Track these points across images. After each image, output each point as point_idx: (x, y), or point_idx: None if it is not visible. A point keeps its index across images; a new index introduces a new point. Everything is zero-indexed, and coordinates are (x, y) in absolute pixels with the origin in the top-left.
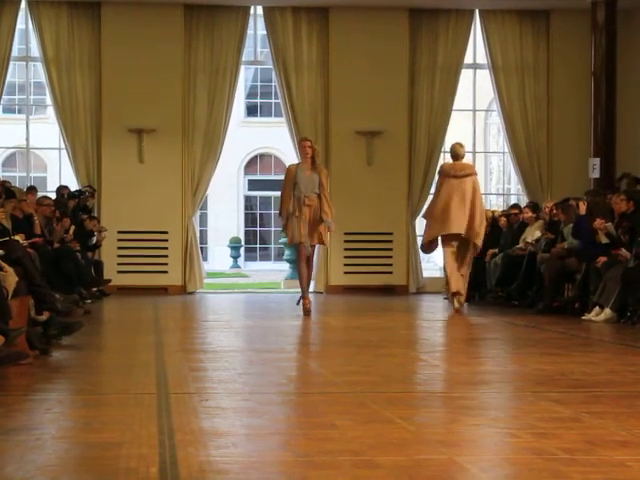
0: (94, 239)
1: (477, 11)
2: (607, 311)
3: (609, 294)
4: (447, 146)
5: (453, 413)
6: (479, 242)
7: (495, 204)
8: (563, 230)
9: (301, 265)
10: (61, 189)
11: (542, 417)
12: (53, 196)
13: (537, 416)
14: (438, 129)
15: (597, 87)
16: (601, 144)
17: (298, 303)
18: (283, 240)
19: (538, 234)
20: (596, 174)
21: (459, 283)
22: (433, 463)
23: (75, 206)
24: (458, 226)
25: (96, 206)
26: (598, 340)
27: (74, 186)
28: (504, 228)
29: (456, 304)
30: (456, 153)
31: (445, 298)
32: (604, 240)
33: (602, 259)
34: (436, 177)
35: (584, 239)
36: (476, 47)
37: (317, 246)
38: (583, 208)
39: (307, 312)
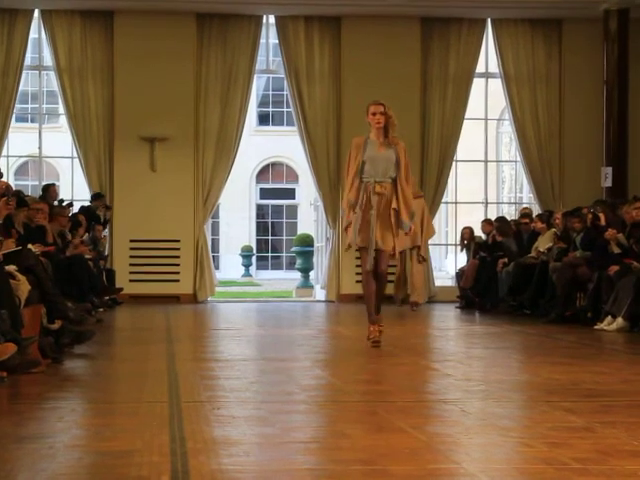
0: (106, 248)
1: (489, 20)
2: (619, 320)
3: (621, 303)
4: (459, 155)
5: (465, 422)
6: (424, 252)
7: (507, 213)
8: (576, 239)
9: (366, 279)
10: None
11: (554, 427)
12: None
13: (549, 425)
14: (450, 138)
15: (609, 96)
16: (613, 153)
17: (370, 338)
18: (295, 249)
19: (550, 243)
20: (608, 183)
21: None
22: (444, 472)
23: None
24: (419, 239)
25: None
26: (610, 349)
27: (87, 194)
28: (505, 242)
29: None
30: None
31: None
32: (616, 250)
33: (614, 268)
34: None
35: (597, 249)
36: (488, 56)
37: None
38: (604, 219)
39: (375, 343)
